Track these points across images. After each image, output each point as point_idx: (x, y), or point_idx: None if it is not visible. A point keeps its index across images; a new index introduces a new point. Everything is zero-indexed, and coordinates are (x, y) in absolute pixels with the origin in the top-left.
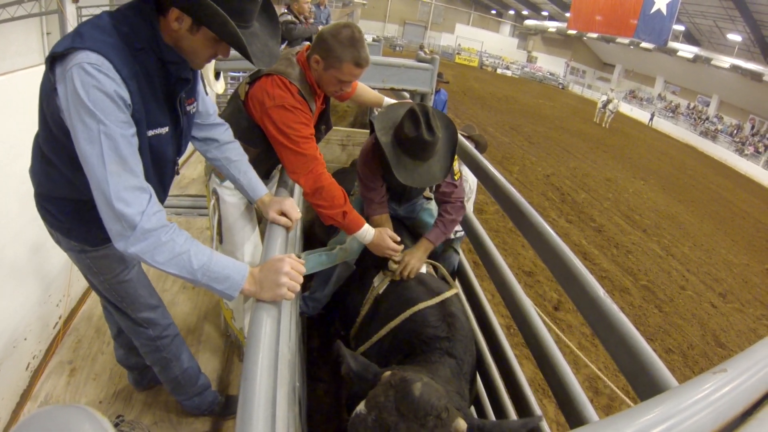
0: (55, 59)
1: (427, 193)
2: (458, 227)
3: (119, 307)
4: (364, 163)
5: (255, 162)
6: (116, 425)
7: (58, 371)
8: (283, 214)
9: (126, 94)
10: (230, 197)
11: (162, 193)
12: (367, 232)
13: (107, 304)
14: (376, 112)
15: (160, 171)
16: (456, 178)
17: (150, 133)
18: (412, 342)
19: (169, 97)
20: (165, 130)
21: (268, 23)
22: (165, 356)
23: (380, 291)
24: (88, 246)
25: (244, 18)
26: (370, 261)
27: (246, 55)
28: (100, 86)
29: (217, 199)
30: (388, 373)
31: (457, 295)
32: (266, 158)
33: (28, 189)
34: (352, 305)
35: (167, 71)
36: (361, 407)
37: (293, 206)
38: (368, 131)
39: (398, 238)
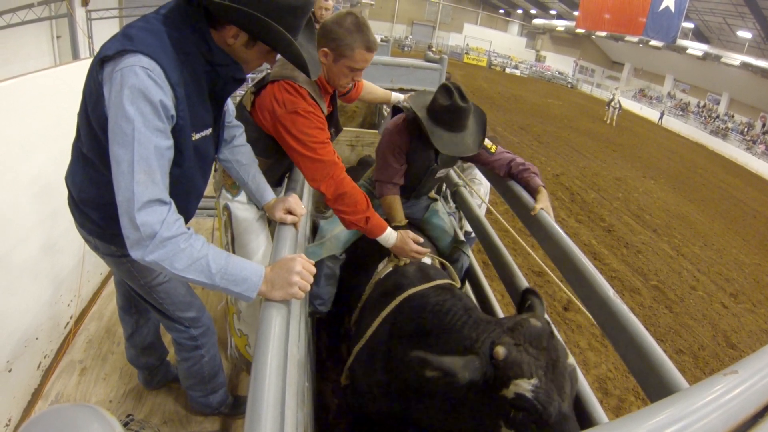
0: (104, 61)
1: (432, 194)
2: (470, 228)
3: (160, 309)
4: (390, 142)
5: (267, 172)
6: (126, 424)
7: (69, 370)
8: (288, 211)
9: (171, 103)
10: (243, 212)
11: (203, 190)
12: (390, 235)
13: (148, 306)
14: (385, 112)
15: (203, 171)
16: (493, 151)
17: (197, 136)
18: (419, 320)
19: (215, 97)
20: (209, 131)
21: (305, 28)
22: (202, 353)
23: (381, 276)
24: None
25: (295, 34)
26: (374, 248)
27: (306, 72)
28: (146, 92)
29: (229, 216)
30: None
31: (449, 283)
32: (279, 167)
33: (39, 189)
34: (356, 293)
35: (216, 73)
36: (502, 351)
37: (297, 202)
38: (377, 132)
39: (421, 240)
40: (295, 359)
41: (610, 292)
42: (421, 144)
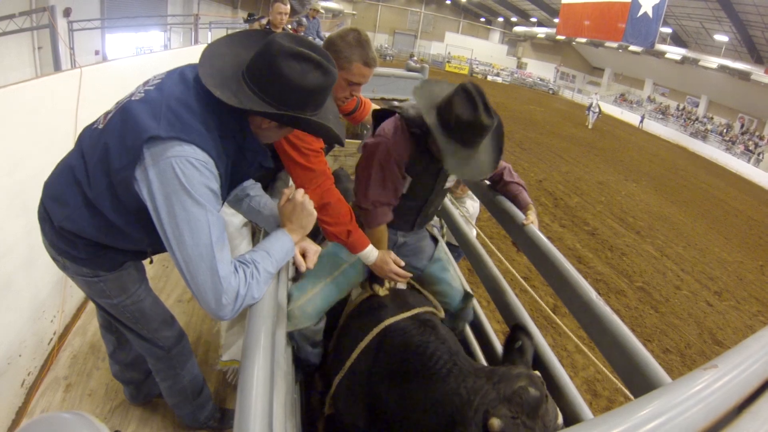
0: (153, 139)
1: (429, 227)
2: (457, 243)
3: (133, 328)
4: (386, 152)
5: (260, 178)
6: None
7: (53, 387)
8: (303, 253)
9: (219, 191)
10: (229, 216)
11: None
12: (371, 252)
13: (121, 327)
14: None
15: None
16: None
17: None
18: (402, 361)
19: (235, 179)
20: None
21: None
22: (178, 371)
23: (356, 304)
24: (102, 271)
25: (322, 107)
26: None
27: (338, 142)
28: (208, 183)
29: None
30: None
31: (430, 312)
32: (271, 173)
33: (21, 203)
34: (331, 318)
35: (243, 156)
36: (497, 424)
37: (316, 255)
38: (358, 141)
39: (402, 263)
40: (282, 370)
41: (593, 294)
42: (426, 156)
